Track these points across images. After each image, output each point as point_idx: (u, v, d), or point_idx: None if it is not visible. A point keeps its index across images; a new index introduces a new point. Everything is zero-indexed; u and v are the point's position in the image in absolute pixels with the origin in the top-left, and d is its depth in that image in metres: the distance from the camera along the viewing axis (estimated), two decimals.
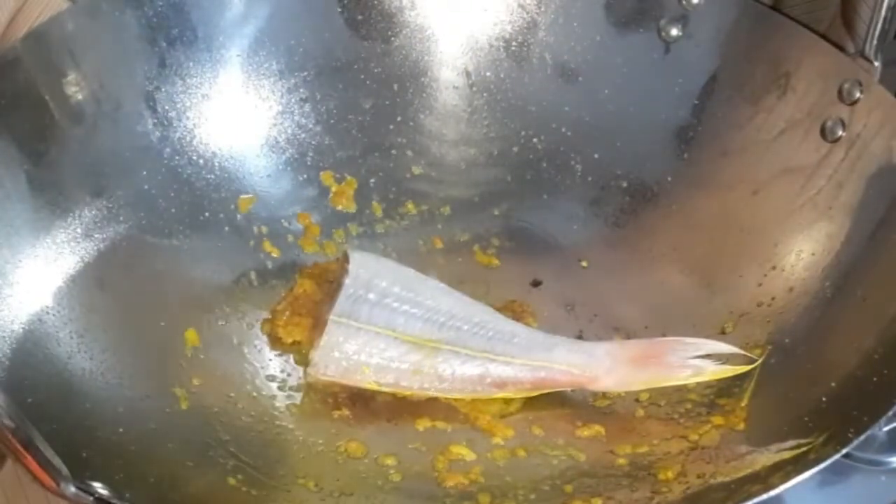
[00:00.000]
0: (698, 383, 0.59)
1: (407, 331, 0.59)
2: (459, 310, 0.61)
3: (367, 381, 0.59)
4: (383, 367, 0.59)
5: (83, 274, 0.59)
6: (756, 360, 0.57)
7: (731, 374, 0.57)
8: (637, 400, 0.59)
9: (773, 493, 0.46)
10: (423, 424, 0.59)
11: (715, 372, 0.58)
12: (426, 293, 0.61)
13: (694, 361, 0.58)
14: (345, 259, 0.62)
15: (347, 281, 0.60)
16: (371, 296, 0.60)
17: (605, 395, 0.60)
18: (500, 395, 0.59)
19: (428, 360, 0.59)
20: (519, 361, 0.59)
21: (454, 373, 0.59)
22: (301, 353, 0.62)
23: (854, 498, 0.58)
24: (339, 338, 0.59)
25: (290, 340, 0.62)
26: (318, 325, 0.61)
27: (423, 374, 0.59)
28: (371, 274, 0.61)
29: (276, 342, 0.62)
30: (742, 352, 0.58)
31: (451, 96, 0.71)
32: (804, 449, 0.49)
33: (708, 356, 0.58)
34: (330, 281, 0.64)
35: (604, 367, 0.59)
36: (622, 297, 0.65)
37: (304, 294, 0.64)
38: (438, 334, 0.59)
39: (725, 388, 0.58)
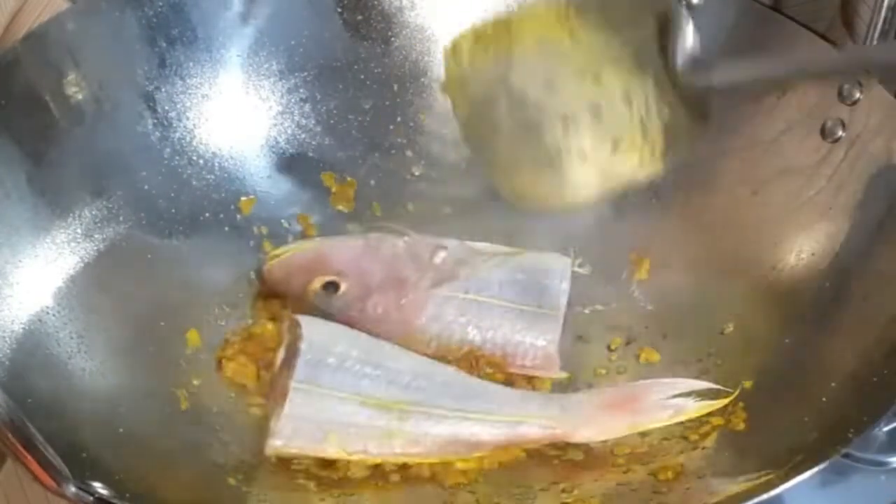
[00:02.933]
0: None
1: (373, 394, 0.56)
2: (422, 369, 0.58)
3: (334, 449, 0.55)
4: (352, 434, 0.55)
5: (83, 274, 0.59)
6: (732, 393, 0.56)
7: (711, 409, 0.56)
8: None
9: (773, 492, 0.46)
10: None
11: (696, 409, 0.56)
12: (384, 355, 0.58)
13: (673, 401, 0.56)
14: (294, 325, 0.58)
15: (304, 346, 0.56)
16: (331, 360, 0.56)
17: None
18: (476, 454, 0.56)
19: (398, 423, 0.55)
20: (494, 418, 0.56)
21: (427, 434, 0.56)
22: (245, 398, 0.59)
23: (854, 498, 0.58)
24: (302, 405, 0.55)
25: (235, 379, 0.60)
26: (273, 388, 0.58)
27: (394, 438, 0.55)
28: (325, 338, 0.57)
29: (221, 370, 0.60)
30: (718, 387, 0.56)
31: None
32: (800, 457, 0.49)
33: (686, 394, 0.56)
34: (270, 349, 0.60)
35: (581, 418, 0.56)
36: (621, 298, 0.65)
37: (261, 335, 0.61)
38: (406, 395, 0.56)
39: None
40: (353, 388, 0.56)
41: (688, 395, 0.56)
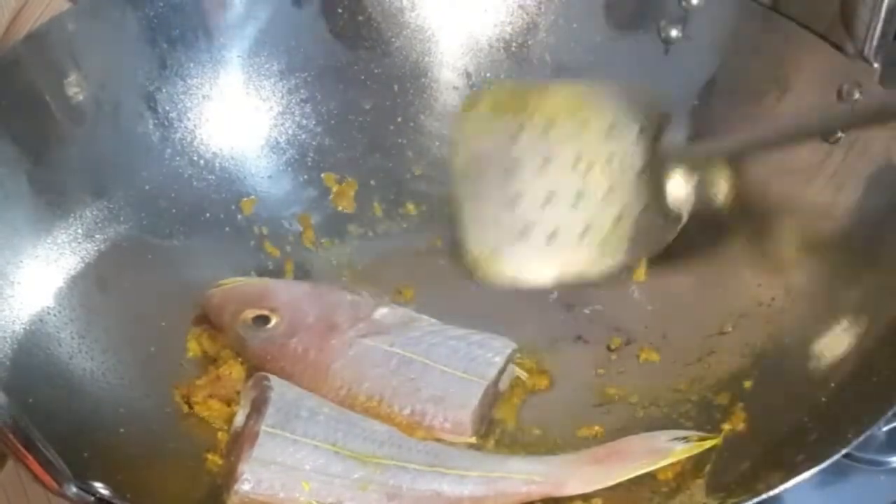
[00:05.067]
0: (698, 385, 0.59)
1: (348, 445, 0.53)
2: (395, 432, 0.56)
3: (305, 499, 0.52)
4: (326, 483, 0.52)
5: (84, 275, 0.59)
6: (717, 439, 0.54)
7: (698, 450, 0.54)
8: (636, 403, 0.60)
9: (773, 492, 0.46)
10: None
11: (683, 451, 0.54)
12: (355, 417, 0.56)
13: (660, 446, 0.54)
14: (259, 381, 0.56)
15: (274, 396, 0.54)
16: (303, 412, 0.54)
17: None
18: None
19: (375, 475, 0.52)
20: (474, 474, 0.54)
21: (403, 488, 0.53)
22: (214, 434, 0.57)
23: (854, 498, 0.58)
24: (273, 450, 0.52)
25: (204, 414, 0.57)
26: (234, 444, 0.54)
27: (370, 490, 0.52)
28: (295, 396, 0.56)
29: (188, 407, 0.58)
30: (700, 433, 0.55)
31: (452, 97, 0.71)
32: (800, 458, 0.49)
33: (672, 440, 0.55)
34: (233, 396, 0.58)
35: (567, 472, 0.54)
36: (622, 298, 0.65)
37: (229, 378, 0.59)
38: (381, 451, 0.54)
39: (724, 389, 0.58)
40: (328, 438, 0.53)
41: (673, 440, 0.54)
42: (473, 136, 0.62)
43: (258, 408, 0.54)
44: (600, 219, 0.59)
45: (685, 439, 0.54)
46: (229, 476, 0.52)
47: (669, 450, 0.54)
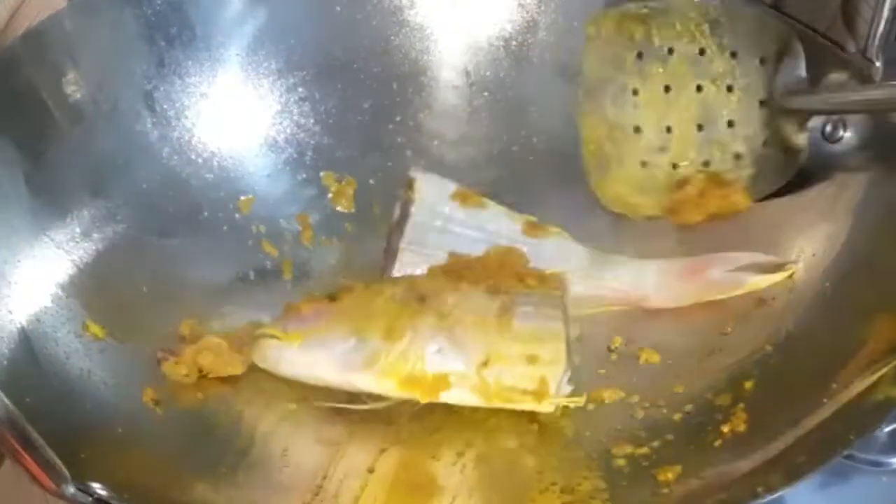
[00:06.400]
0: (698, 386, 0.59)
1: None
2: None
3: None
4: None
5: (82, 274, 0.59)
6: (790, 272, 0.59)
7: (766, 283, 0.60)
8: (636, 403, 0.59)
9: (774, 494, 0.46)
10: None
11: (753, 283, 0.60)
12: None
13: (734, 275, 0.61)
14: (409, 186, 0.65)
15: (413, 209, 0.63)
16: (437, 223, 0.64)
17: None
18: None
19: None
20: (579, 274, 0.62)
21: None
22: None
23: (855, 499, 0.58)
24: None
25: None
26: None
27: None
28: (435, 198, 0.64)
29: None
30: (778, 259, 0.60)
31: (451, 96, 0.71)
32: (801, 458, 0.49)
33: (748, 267, 0.61)
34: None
35: (652, 283, 0.62)
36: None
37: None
38: None
39: (725, 390, 0.58)
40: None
41: (749, 267, 0.61)
42: (604, 53, 0.65)
43: (402, 217, 0.65)
44: (720, 150, 0.63)
45: (760, 269, 0.61)
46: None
47: (743, 281, 0.61)
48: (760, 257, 0.61)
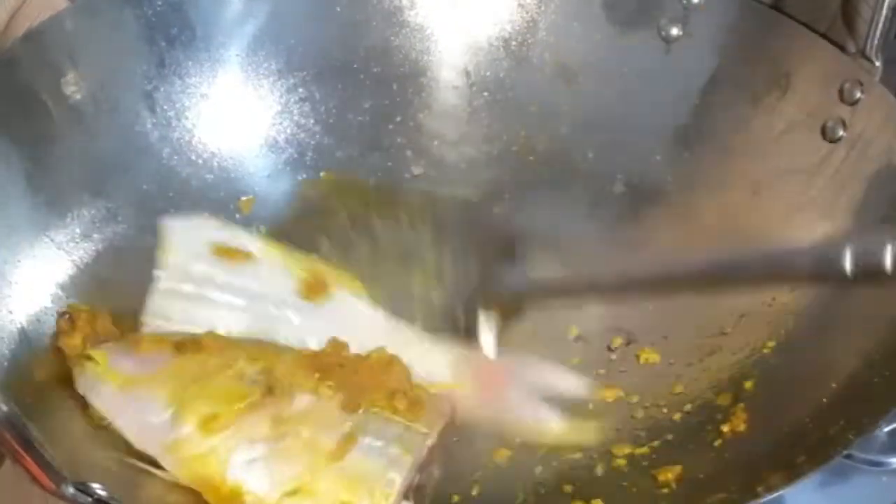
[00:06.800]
0: (698, 385, 0.59)
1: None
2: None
3: None
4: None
5: (82, 274, 0.59)
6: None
7: (573, 438, 0.54)
8: (636, 403, 0.59)
9: (774, 494, 0.46)
10: None
11: (556, 429, 0.53)
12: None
13: (534, 406, 0.54)
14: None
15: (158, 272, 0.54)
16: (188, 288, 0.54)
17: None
18: None
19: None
20: None
21: None
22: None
23: (855, 499, 0.58)
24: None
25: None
26: None
27: None
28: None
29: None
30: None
31: (451, 96, 0.71)
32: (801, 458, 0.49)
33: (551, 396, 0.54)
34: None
35: (444, 374, 0.54)
36: (623, 297, 0.65)
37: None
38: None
39: (725, 390, 0.58)
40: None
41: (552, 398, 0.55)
42: None
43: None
44: None
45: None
46: None
47: (543, 422, 0.54)
48: (569, 381, 0.54)
